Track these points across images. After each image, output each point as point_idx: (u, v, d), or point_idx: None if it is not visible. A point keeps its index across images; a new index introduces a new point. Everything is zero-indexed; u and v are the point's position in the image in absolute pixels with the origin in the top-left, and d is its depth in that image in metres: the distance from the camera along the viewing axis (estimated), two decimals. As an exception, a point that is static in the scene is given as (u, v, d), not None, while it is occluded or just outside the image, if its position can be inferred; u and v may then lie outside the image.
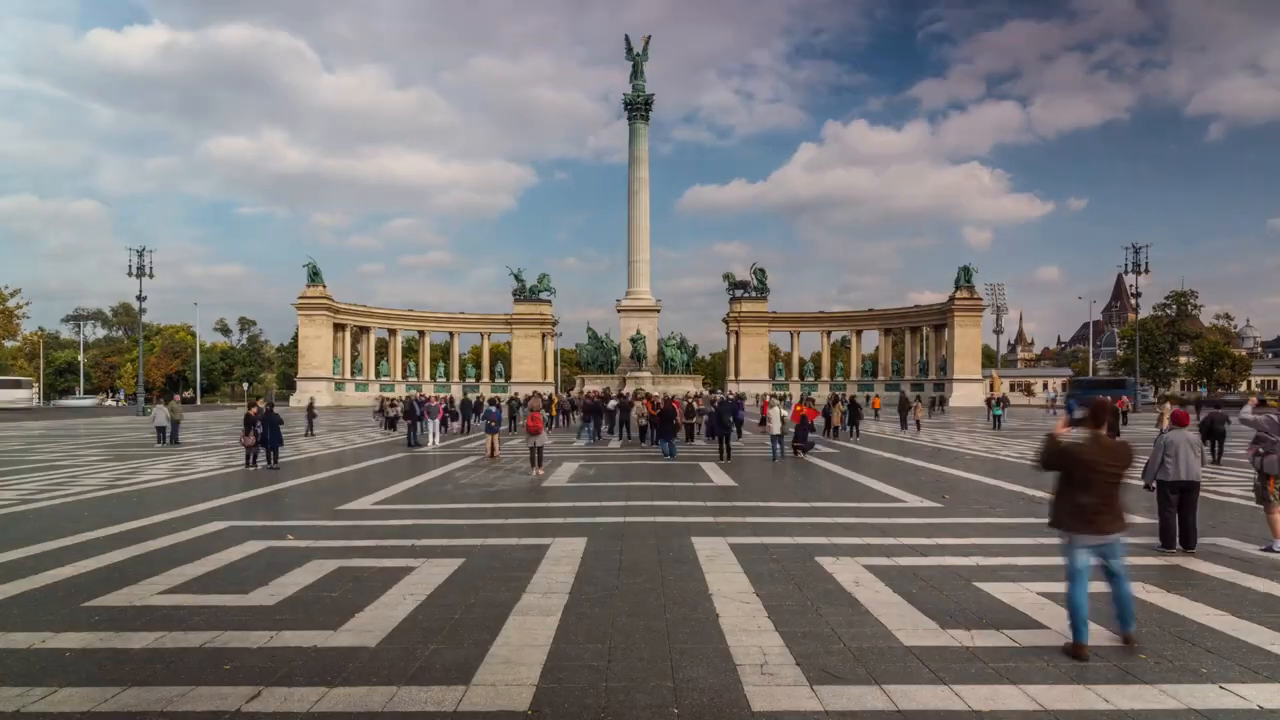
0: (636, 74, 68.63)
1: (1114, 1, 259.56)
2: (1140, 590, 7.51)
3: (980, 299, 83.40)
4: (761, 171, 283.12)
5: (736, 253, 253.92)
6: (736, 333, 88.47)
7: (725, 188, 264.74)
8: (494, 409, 23.80)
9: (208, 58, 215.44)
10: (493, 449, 21.93)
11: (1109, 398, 18.86)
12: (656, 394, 36.86)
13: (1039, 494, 14.36)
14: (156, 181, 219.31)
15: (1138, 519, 11.46)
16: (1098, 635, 6.14)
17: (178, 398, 39.96)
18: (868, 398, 51.03)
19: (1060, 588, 7.60)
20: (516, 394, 46.92)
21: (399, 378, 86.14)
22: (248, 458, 19.07)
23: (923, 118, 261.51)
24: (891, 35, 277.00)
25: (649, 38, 70.27)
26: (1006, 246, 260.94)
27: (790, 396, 64.29)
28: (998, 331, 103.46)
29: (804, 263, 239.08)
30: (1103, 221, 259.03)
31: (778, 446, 21.01)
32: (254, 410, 19.55)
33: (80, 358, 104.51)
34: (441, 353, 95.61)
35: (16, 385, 79.00)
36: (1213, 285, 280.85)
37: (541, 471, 17.83)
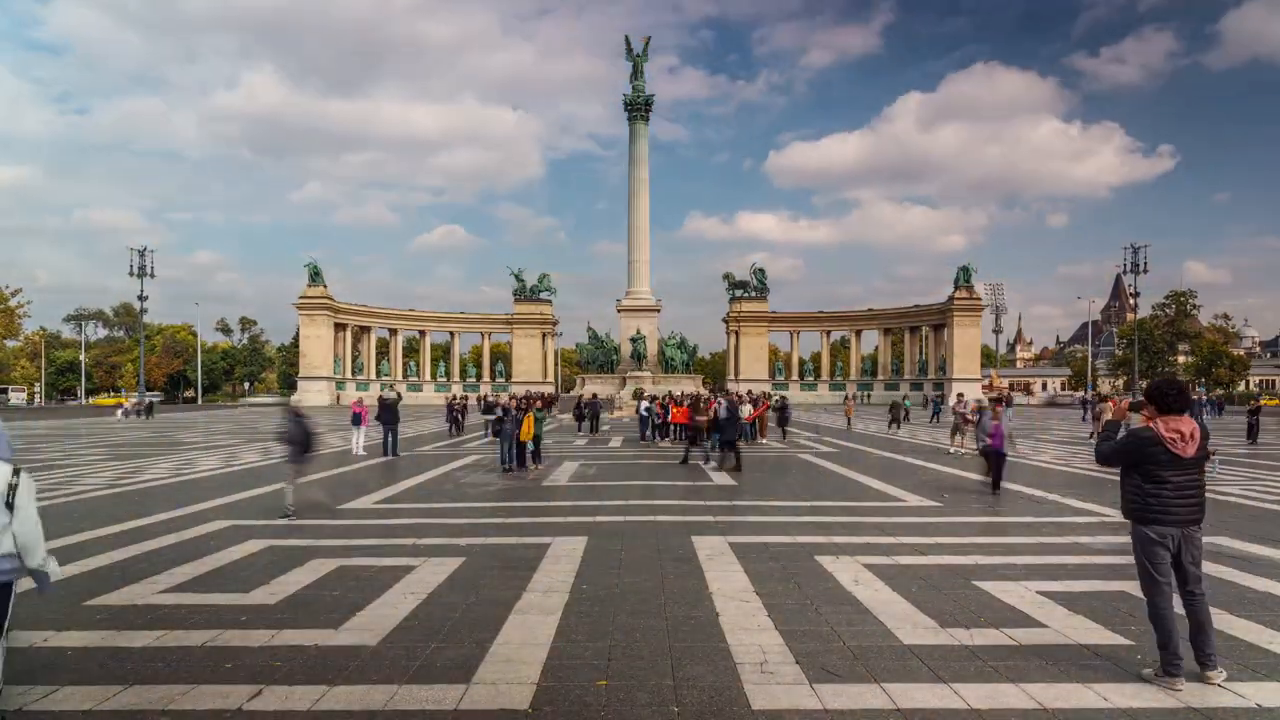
0: (636, 74, 68.66)
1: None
2: (1139, 589, 7.52)
3: (979, 299, 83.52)
4: (862, 119, 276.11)
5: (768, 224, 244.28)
6: (736, 333, 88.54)
7: (817, 144, 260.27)
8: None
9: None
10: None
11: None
12: (680, 393, 37.23)
13: (1038, 493, 14.38)
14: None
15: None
16: (1096, 634, 6.16)
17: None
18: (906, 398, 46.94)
19: (1060, 586, 7.63)
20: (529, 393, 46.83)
21: (399, 377, 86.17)
22: None
23: (1073, 47, 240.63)
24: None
25: (649, 39, 70.56)
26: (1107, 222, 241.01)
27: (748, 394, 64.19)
28: (997, 331, 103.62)
29: (854, 248, 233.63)
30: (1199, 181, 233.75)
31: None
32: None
33: (82, 357, 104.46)
34: (442, 352, 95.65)
35: None
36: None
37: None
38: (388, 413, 21.93)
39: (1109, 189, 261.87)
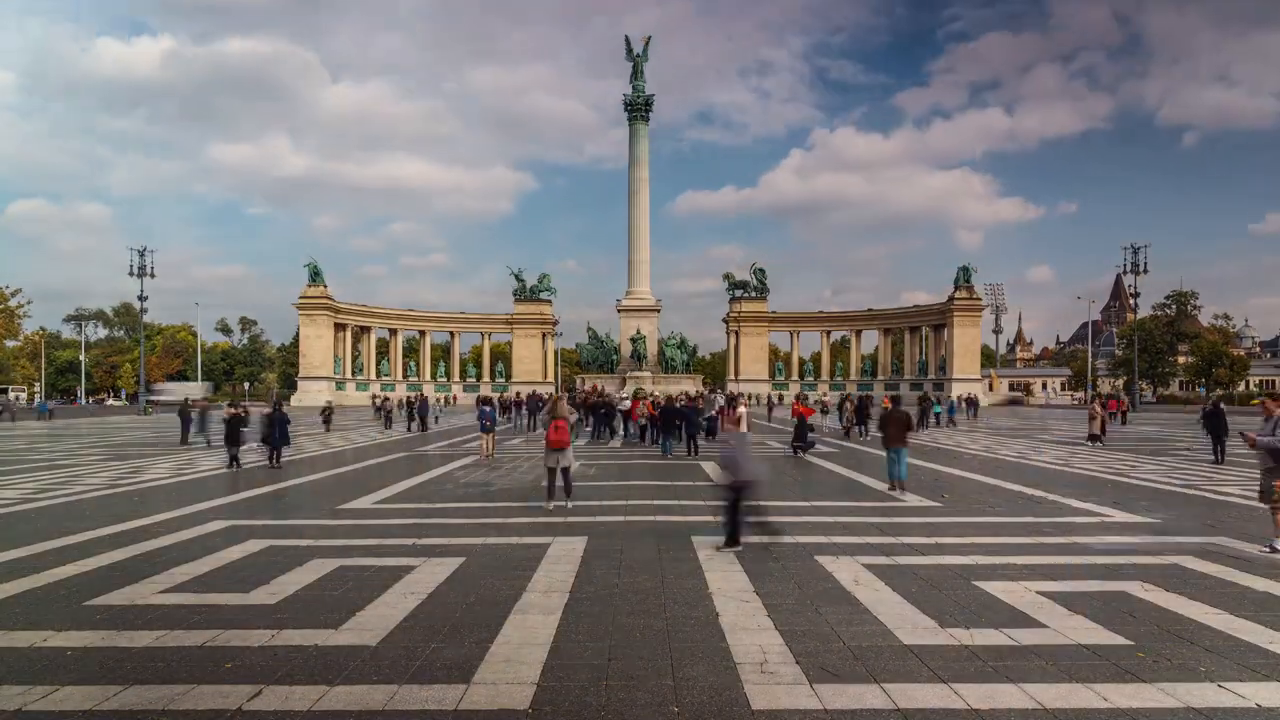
0: (636, 75, 68.59)
1: (1089, 14, 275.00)
2: (1139, 589, 7.54)
3: (979, 299, 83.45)
4: (750, 178, 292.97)
5: (732, 255, 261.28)
6: (736, 333, 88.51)
7: (717, 193, 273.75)
8: (488, 408, 22.72)
9: (214, 68, 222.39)
10: (489, 449, 21.37)
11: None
12: (658, 394, 36.74)
13: (1038, 493, 14.38)
14: (162, 187, 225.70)
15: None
16: (1096, 634, 6.17)
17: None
18: (870, 398, 50.21)
19: (1060, 586, 7.64)
20: (519, 392, 46.63)
21: (400, 377, 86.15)
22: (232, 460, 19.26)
23: (910, 125, 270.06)
24: (876, 44, 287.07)
25: (649, 38, 70.24)
26: (998, 248, 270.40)
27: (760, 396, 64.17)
28: (997, 331, 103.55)
29: (798, 265, 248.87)
30: (1093, 224, 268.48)
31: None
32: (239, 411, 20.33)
33: (81, 357, 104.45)
34: (442, 352, 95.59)
35: None
36: (1204, 285, 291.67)
37: (562, 505, 12.61)
38: (276, 427, 19.64)
39: (1014, 222, 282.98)
